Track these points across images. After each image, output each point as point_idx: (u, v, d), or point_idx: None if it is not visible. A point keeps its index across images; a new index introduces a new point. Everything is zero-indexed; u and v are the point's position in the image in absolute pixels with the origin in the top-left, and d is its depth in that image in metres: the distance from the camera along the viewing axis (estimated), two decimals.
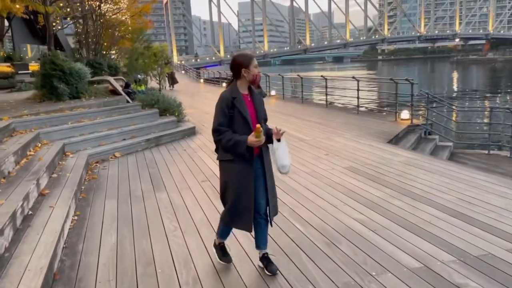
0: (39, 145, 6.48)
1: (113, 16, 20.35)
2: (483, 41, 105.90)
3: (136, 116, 9.05)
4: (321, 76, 13.98)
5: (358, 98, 11.66)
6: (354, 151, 6.96)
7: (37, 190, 4.57)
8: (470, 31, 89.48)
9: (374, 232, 3.81)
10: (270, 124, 3.25)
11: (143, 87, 14.63)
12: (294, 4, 72.50)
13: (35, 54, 21.48)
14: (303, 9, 71.33)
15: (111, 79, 11.40)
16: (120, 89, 10.92)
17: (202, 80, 34.21)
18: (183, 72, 47.94)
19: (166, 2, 74.02)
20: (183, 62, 58.84)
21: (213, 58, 66.87)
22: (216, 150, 3.10)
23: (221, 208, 3.23)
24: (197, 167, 6.42)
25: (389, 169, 5.86)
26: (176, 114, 10.41)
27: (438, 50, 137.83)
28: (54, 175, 5.43)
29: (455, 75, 65.08)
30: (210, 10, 71.18)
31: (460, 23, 77.72)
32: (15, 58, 17.46)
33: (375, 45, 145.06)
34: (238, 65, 2.93)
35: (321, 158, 6.58)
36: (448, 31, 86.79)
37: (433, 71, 73.74)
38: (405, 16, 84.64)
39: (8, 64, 16.46)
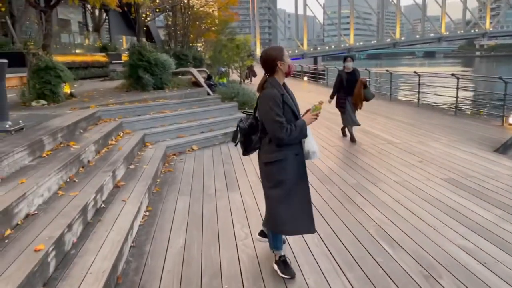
0: (121, 134, 6.58)
1: (201, 9, 20.79)
2: None
3: (215, 109, 8.93)
4: (414, 72, 12.77)
5: (457, 97, 10.39)
6: (453, 160, 6.05)
7: (113, 181, 4.52)
8: None
9: (484, 265, 3.09)
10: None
11: (225, 80, 14.63)
12: None
13: (129, 46, 22.81)
14: (394, 1, 67.33)
15: (194, 70, 11.49)
16: (202, 81, 10.94)
17: None
18: None
19: None
20: None
21: (296, 51, 66.26)
22: (246, 153, 3.02)
23: None
24: None
25: (498, 184, 4.94)
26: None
27: None
28: (132, 166, 5.41)
29: None
30: (296, 3, 70.23)
31: None
32: (110, 48, 18.60)
33: (473, 40, 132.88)
34: (273, 59, 2.80)
35: (414, 166, 5.81)
36: None
37: None
38: (511, 8, 75.96)
39: (103, 54, 17.59)
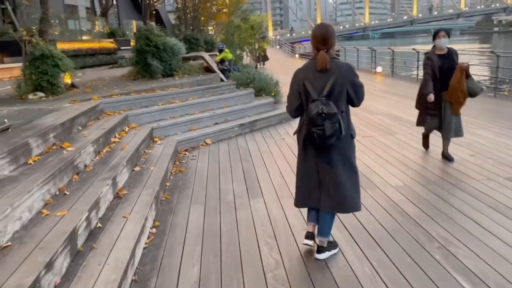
0: (126, 129, 5.84)
1: None
2: None
3: (230, 97, 8.12)
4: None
5: (496, 78, 9.36)
6: (505, 151, 5.14)
7: (113, 191, 3.79)
8: None
9: None
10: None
11: (229, 55, 13.38)
12: None
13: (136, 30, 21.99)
14: None
15: (205, 55, 10.64)
16: (214, 66, 10.11)
17: (297, 55, 32.73)
18: (278, 47, 46.86)
19: None
20: (278, 36, 57.63)
21: (309, 32, 64.34)
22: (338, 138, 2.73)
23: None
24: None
25: None
26: (273, 94, 9.32)
27: None
28: (137, 168, 4.68)
29: None
30: None
31: None
32: (118, 34, 17.81)
33: (491, 16, 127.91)
34: (335, 35, 2.87)
35: (466, 161, 4.94)
36: None
37: None
38: None
39: (112, 40, 16.82)
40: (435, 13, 76.81)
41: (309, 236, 3.01)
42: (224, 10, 21.95)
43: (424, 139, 5.57)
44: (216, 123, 7.12)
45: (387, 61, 16.07)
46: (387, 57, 15.81)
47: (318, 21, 67.44)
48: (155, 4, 17.07)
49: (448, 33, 4.94)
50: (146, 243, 3.30)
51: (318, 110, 2.64)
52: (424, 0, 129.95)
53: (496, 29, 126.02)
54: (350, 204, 2.88)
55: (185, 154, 5.98)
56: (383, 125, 7.21)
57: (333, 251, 2.98)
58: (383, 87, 12.14)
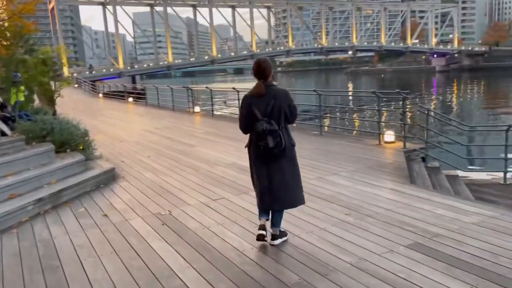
0: None
1: None
2: (371, 54, 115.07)
3: (17, 160, 5.68)
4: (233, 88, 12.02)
5: (320, 114, 9.53)
6: (386, 206, 4.56)
7: None
8: (366, 43, 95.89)
9: None
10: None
11: (22, 96, 10.52)
12: (198, 15, 69.93)
13: None
14: (207, 19, 69.13)
15: None
16: None
17: (101, 95, 29.76)
18: (76, 85, 42.28)
19: (52, 9, 65.72)
20: (75, 74, 52.50)
21: (111, 70, 60.93)
22: (280, 149, 3.45)
23: None
24: (142, 262, 3.51)
25: (482, 245, 3.48)
26: (82, 147, 7.17)
27: (331, 62, 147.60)
28: None
29: (350, 84, 68.65)
30: (105, 19, 64.62)
31: (356, 36, 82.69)
32: None
33: (274, 57, 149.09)
34: (271, 67, 3.54)
35: (346, 224, 4.11)
36: (346, 43, 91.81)
37: (328, 82, 77.35)
38: (307, 29, 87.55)
39: None
40: (232, 53, 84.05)
41: (262, 227, 3.60)
42: (4, 42, 17.90)
43: None
44: None
45: (204, 100, 15.50)
46: (204, 96, 15.23)
47: (120, 59, 64.86)
48: None
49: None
50: None
51: (263, 128, 3.37)
52: (222, 42, 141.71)
53: (279, 69, 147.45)
54: (297, 200, 3.69)
55: None
56: (230, 179, 6.05)
57: (284, 238, 3.73)
58: (209, 129, 11.25)
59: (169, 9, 66.65)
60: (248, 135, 3.60)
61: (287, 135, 3.49)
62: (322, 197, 4.93)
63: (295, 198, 3.63)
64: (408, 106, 7.66)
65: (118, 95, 25.83)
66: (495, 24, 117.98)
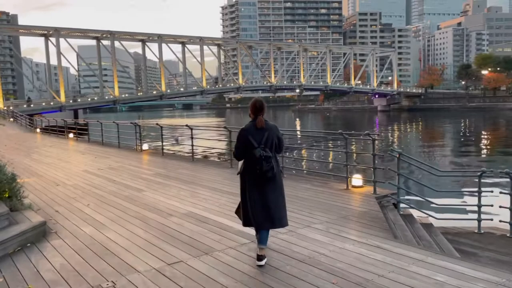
0: None
1: None
2: (317, 93, 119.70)
3: None
4: (186, 125, 11.72)
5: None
6: (376, 270, 3.87)
7: None
8: (313, 82, 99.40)
9: None
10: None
11: None
12: (146, 49, 68.87)
13: None
14: (157, 54, 68.17)
15: None
16: None
17: (38, 130, 27.54)
18: (11, 119, 39.24)
19: None
20: (11, 108, 48.97)
21: (51, 103, 57.60)
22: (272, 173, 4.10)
23: None
24: None
25: None
26: (7, 195, 5.97)
27: (278, 99, 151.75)
28: None
29: (297, 121, 70.20)
30: (47, 51, 61.60)
31: (303, 76, 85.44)
32: None
33: (223, 94, 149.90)
34: (265, 105, 4.23)
35: None
36: (294, 82, 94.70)
37: (276, 118, 78.73)
38: (257, 67, 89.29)
39: None
40: (182, 89, 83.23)
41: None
42: None
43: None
44: None
45: (153, 138, 14.48)
46: (153, 133, 14.21)
47: (62, 92, 61.61)
48: None
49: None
50: None
51: (260, 154, 4.02)
52: (173, 77, 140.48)
53: (228, 105, 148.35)
54: (284, 221, 4.28)
55: None
56: (186, 234, 5.16)
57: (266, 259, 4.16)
58: (159, 170, 10.26)
59: (116, 43, 65.12)
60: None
61: (276, 163, 4.14)
62: (299, 259, 4.20)
63: (283, 216, 4.22)
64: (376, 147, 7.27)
65: (57, 131, 23.94)
66: (428, 68, 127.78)
